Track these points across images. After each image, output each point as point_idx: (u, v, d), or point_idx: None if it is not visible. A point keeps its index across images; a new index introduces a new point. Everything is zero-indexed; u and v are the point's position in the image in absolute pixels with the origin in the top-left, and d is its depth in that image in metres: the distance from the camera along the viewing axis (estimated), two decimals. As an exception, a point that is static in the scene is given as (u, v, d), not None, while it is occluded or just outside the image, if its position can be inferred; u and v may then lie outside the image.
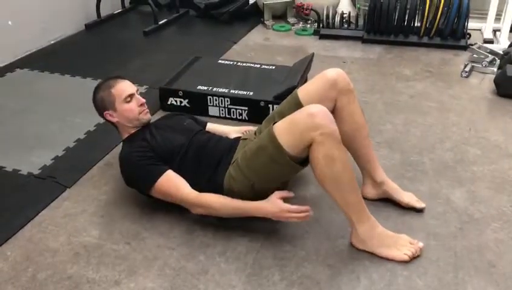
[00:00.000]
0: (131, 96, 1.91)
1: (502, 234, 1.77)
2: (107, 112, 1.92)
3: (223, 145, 1.90)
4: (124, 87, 1.92)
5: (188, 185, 1.77)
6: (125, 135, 1.96)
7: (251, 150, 1.71)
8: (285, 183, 1.92)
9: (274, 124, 1.67)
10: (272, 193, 1.81)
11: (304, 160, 1.64)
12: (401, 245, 1.67)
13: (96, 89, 1.96)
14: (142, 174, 1.80)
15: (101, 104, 1.93)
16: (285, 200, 1.69)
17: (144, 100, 1.95)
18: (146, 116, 1.96)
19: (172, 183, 1.77)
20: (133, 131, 1.95)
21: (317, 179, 1.63)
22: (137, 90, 1.98)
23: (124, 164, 1.86)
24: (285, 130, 1.62)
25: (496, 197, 1.97)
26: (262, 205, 1.69)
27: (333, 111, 1.84)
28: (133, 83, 2.96)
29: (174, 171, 1.80)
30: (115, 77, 1.97)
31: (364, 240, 1.67)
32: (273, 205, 1.67)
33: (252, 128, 2.17)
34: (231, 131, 2.20)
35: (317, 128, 1.55)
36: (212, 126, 2.22)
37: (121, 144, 1.99)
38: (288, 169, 1.67)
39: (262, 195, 1.75)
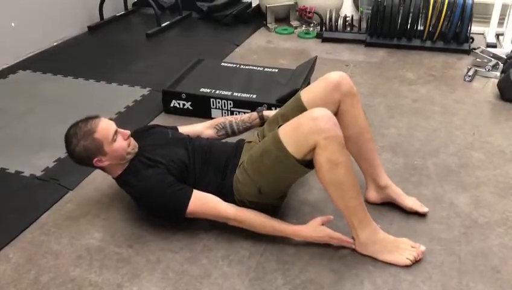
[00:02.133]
0: (116, 133, 1.76)
1: (506, 239, 1.76)
2: (96, 159, 1.75)
3: (227, 149, 1.91)
4: (106, 126, 1.75)
5: (220, 200, 1.74)
6: (118, 172, 1.81)
7: (256, 154, 1.71)
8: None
9: (279, 127, 1.67)
10: (279, 196, 1.80)
11: (309, 162, 1.63)
12: (403, 249, 1.66)
13: (72, 142, 1.75)
14: (170, 204, 1.72)
15: (86, 154, 1.74)
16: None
17: (128, 132, 1.80)
18: (135, 148, 1.82)
19: (205, 203, 1.73)
20: (125, 166, 1.81)
21: (321, 183, 1.63)
22: (113, 120, 1.83)
23: (148, 196, 1.74)
24: (289, 133, 1.61)
25: (500, 202, 1.96)
26: (303, 230, 1.71)
27: (336, 114, 1.83)
28: (136, 85, 3.02)
29: (192, 185, 1.76)
30: (88, 119, 1.77)
31: (366, 245, 1.67)
32: (316, 230, 1.70)
33: (221, 119, 2.14)
34: (203, 129, 2.12)
35: (320, 132, 1.54)
36: (184, 129, 2.12)
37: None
38: (294, 171, 1.66)
39: (269, 198, 1.75)
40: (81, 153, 1.75)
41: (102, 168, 1.82)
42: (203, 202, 1.73)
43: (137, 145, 1.83)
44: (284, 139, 1.60)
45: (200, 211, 1.73)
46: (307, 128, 1.57)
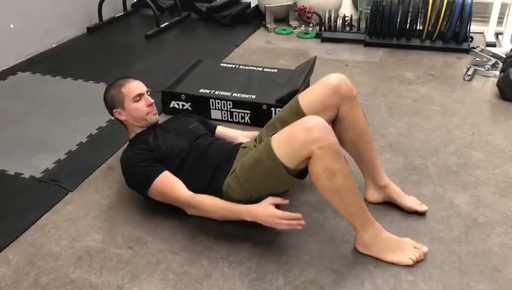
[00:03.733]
0: (140, 95, 1.96)
1: (506, 238, 1.76)
2: (116, 110, 1.98)
3: (223, 152, 1.89)
4: (134, 86, 1.97)
5: (183, 186, 1.78)
6: (132, 135, 2.00)
7: (248, 162, 1.69)
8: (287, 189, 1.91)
9: (272, 135, 1.64)
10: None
11: (301, 173, 1.62)
12: (406, 249, 1.66)
13: (108, 87, 2.01)
14: (140, 176, 1.82)
15: (111, 102, 1.98)
16: (278, 206, 1.67)
17: (152, 101, 1.99)
18: (153, 117, 1.99)
19: (169, 183, 1.79)
20: (139, 131, 1.99)
21: (318, 192, 1.61)
22: (148, 91, 2.02)
23: (124, 165, 1.89)
24: (283, 143, 1.58)
25: (500, 202, 1.96)
26: (253, 209, 1.67)
27: (336, 118, 1.83)
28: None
29: (173, 174, 1.81)
30: (127, 77, 2.03)
31: (369, 246, 1.66)
32: (264, 210, 1.65)
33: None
34: (239, 136, 2.19)
35: (315, 142, 1.52)
36: (222, 130, 2.22)
37: (124, 147, 2.00)
38: (285, 182, 1.64)
39: None
40: (107, 99, 2.00)
41: (122, 123, 2.02)
42: (167, 181, 1.79)
43: (157, 118, 2.02)
44: (276, 148, 1.58)
45: (162, 190, 1.79)
46: (301, 138, 1.54)
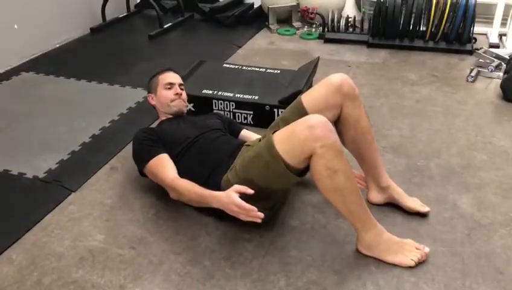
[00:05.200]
0: (171, 84, 2.11)
1: (509, 240, 1.76)
2: (150, 94, 2.17)
3: (227, 148, 1.90)
4: (169, 76, 2.15)
5: (174, 170, 1.83)
6: (159, 120, 2.16)
7: (249, 157, 1.68)
8: (287, 189, 1.91)
9: (274, 132, 1.63)
10: (269, 204, 1.77)
11: (301, 170, 1.62)
12: (408, 251, 1.65)
13: (153, 74, 2.21)
14: (140, 153, 1.94)
15: (149, 87, 2.19)
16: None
17: (180, 91, 2.12)
18: (176, 107, 2.11)
19: (161, 165, 1.85)
20: (165, 118, 2.13)
21: (320, 190, 1.61)
22: (182, 85, 2.17)
23: (133, 142, 2.00)
24: (285, 140, 1.58)
25: (503, 203, 1.95)
26: (219, 195, 1.64)
27: (339, 117, 1.83)
28: (138, 87, 3.03)
29: (174, 160, 1.87)
30: (170, 69, 2.22)
31: (370, 247, 1.66)
32: (227, 196, 1.60)
33: None
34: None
35: (317, 141, 1.51)
36: (246, 134, 2.19)
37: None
38: (284, 178, 1.62)
39: (258, 206, 1.64)
40: (148, 84, 2.20)
41: (154, 107, 2.18)
42: (161, 162, 1.86)
43: (180, 109, 2.13)
44: (278, 145, 1.57)
45: (154, 170, 1.87)
46: (303, 136, 1.54)
